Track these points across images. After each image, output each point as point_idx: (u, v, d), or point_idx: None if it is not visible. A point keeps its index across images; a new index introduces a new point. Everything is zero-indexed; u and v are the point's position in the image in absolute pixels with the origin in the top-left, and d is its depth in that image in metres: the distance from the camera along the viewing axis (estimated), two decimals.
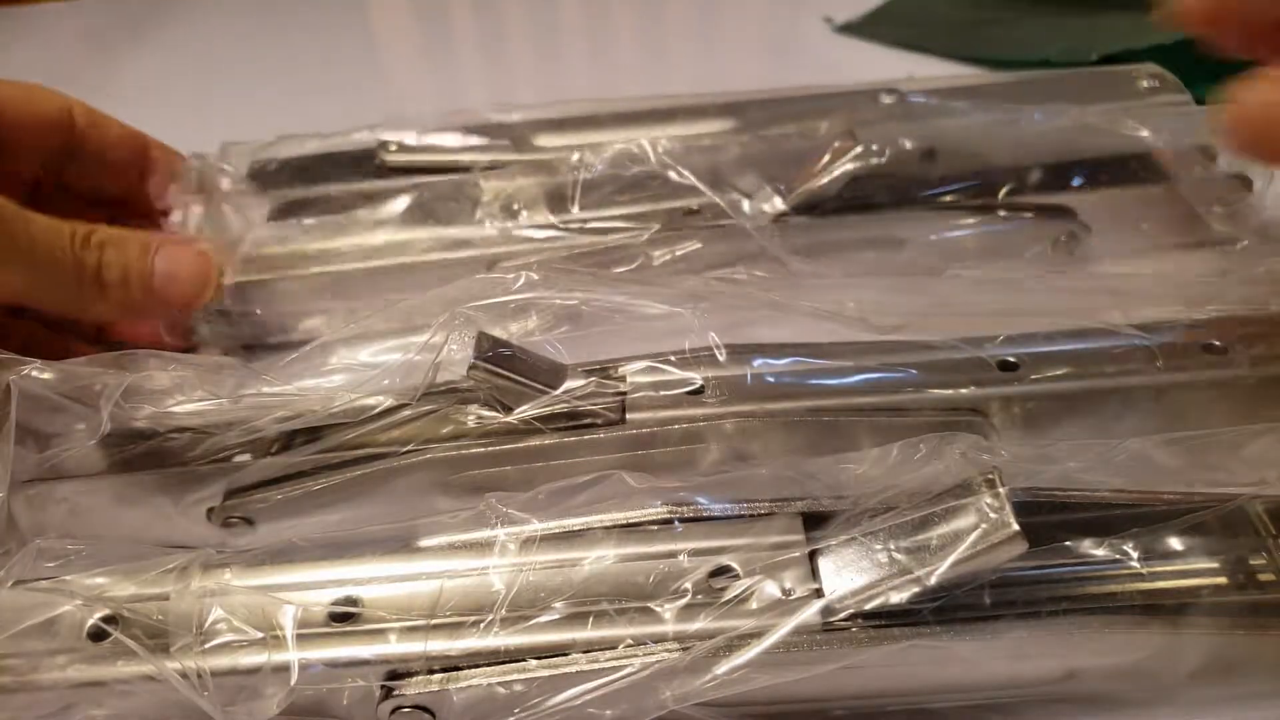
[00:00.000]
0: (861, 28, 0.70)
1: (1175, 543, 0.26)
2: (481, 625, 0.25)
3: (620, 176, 0.44)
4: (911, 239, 0.42)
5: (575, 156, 0.44)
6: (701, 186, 0.42)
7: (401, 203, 0.45)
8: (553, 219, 0.43)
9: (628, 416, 0.31)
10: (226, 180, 0.45)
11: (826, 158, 0.41)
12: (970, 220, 0.42)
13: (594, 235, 0.42)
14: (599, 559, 0.26)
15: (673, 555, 0.26)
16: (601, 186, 0.43)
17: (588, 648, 0.25)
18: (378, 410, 0.31)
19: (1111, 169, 0.43)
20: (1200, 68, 0.45)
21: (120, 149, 0.43)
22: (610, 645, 0.24)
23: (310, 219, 0.44)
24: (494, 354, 0.30)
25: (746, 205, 0.42)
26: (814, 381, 0.31)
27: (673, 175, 0.43)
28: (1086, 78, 0.50)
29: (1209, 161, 0.43)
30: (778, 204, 0.42)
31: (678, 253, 0.41)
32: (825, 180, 0.41)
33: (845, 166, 0.41)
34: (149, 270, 0.36)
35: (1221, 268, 0.40)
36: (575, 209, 0.43)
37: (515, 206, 0.44)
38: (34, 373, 0.30)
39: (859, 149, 0.40)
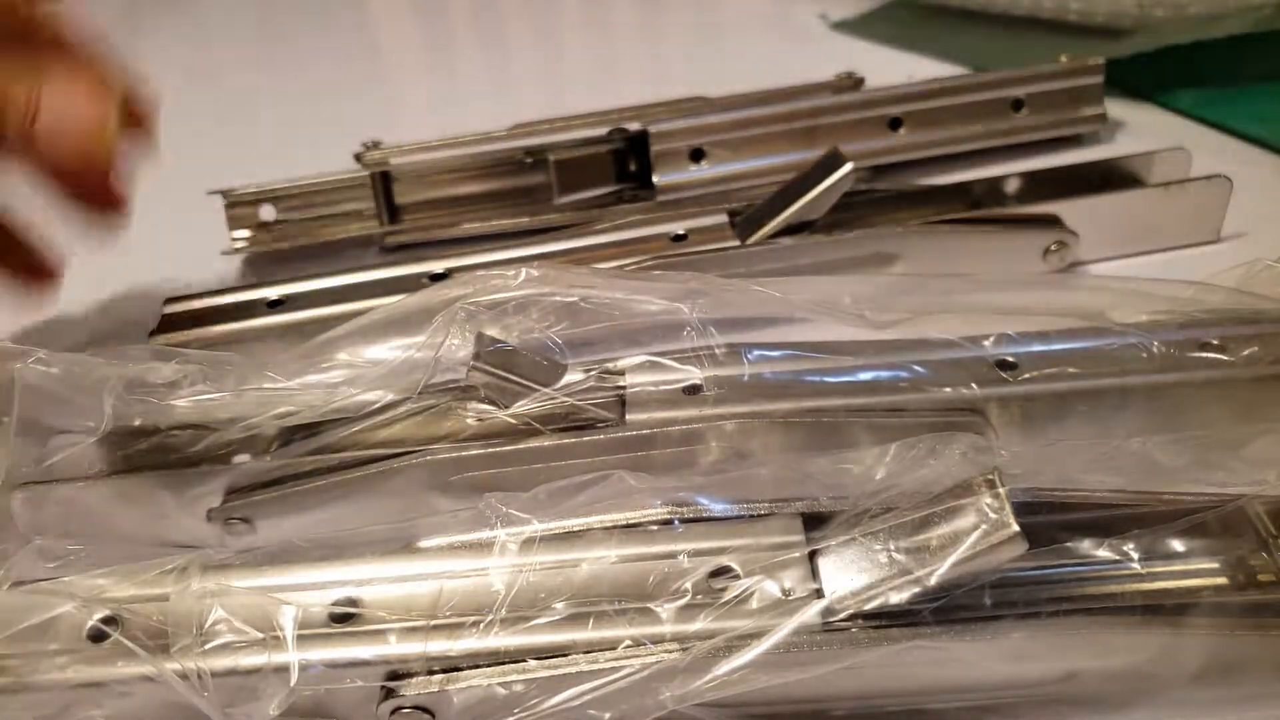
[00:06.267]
0: (857, 26, 0.70)
1: (1175, 543, 0.26)
2: (481, 626, 0.25)
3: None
4: (901, 254, 0.42)
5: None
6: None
7: None
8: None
9: (628, 417, 0.31)
10: None
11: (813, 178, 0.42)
12: (959, 233, 0.42)
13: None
14: (599, 559, 0.26)
15: (673, 555, 0.26)
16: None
17: (588, 648, 0.24)
18: (377, 406, 0.31)
19: (1088, 174, 0.44)
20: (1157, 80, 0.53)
21: None
22: (610, 646, 0.24)
23: None
24: (493, 353, 0.30)
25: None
26: (813, 380, 0.31)
27: None
28: None
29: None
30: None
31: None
32: (813, 199, 0.41)
33: (834, 185, 0.41)
34: (30, 105, 0.32)
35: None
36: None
37: None
38: (38, 364, 0.30)
39: (848, 167, 0.41)
